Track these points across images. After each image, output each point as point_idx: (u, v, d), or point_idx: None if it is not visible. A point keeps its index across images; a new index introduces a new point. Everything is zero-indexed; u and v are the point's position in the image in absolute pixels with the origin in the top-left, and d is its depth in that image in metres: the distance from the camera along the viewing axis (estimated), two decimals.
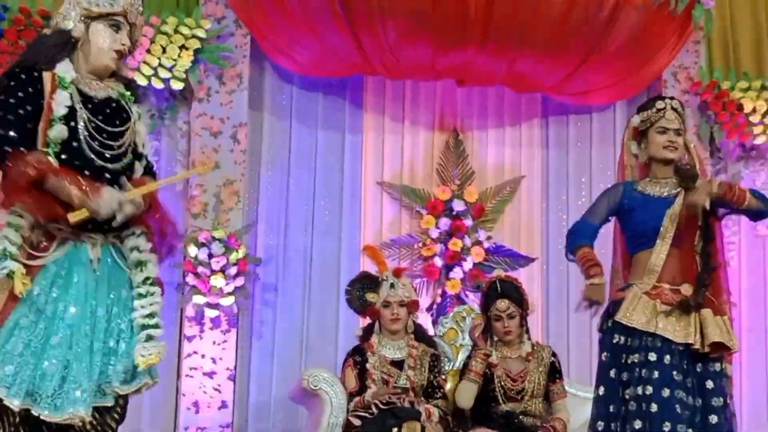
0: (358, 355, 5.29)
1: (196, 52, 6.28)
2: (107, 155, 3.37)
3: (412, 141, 6.99)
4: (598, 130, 7.19)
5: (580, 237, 4.19)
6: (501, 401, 5.11)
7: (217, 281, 6.13)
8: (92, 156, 3.33)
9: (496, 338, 5.18)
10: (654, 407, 3.85)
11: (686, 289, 4.01)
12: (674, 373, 3.90)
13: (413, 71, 6.70)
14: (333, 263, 6.76)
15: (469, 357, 5.24)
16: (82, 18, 3.45)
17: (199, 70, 6.36)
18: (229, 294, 6.18)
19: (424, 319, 6.30)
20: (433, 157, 6.98)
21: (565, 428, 5.17)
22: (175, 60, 6.23)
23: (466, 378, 5.15)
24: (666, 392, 3.86)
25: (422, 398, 5.19)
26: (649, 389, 3.87)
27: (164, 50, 6.20)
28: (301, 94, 6.91)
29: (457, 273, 6.69)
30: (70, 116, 3.33)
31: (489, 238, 6.83)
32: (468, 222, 6.78)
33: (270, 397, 6.54)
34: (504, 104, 7.11)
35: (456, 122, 7.03)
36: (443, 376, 5.45)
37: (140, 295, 3.35)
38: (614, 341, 4.05)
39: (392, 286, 5.34)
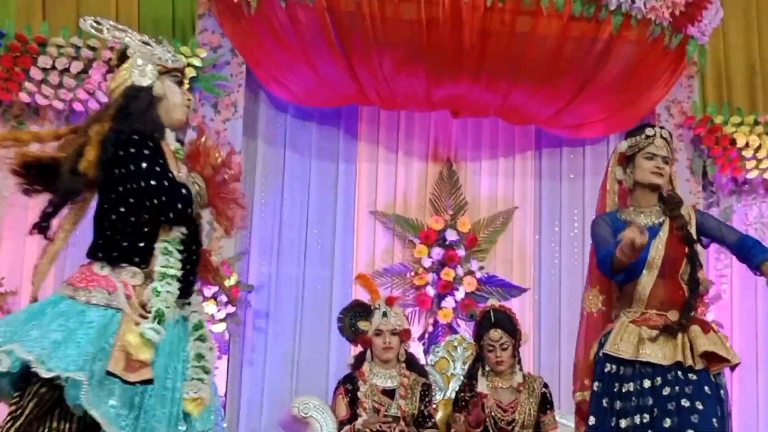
0: (349, 383, 5.26)
1: (192, 80, 6.30)
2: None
3: (405, 171, 7.00)
4: (591, 162, 7.20)
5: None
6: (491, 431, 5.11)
7: (209, 308, 6.10)
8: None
9: (487, 368, 5.18)
10: None
11: (673, 315, 3.95)
12: (669, 404, 3.83)
13: (408, 102, 6.72)
14: (325, 291, 6.76)
15: (459, 395, 5.23)
16: (158, 73, 3.34)
17: (194, 98, 6.39)
18: (221, 321, 6.17)
19: (416, 348, 6.30)
20: (426, 187, 6.99)
21: None
22: None
23: None
24: (667, 422, 3.80)
25: (413, 427, 5.17)
26: (647, 417, 3.82)
27: None
28: (296, 123, 6.93)
29: (449, 302, 6.69)
30: None
31: (481, 268, 6.83)
32: (461, 252, 6.79)
33: (260, 425, 6.51)
34: (498, 136, 7.14)
35: (450, 153, 7.05)
36: (434, 406, 5.43)
37: (194, 340, 3.34)
38: (606, 370, 3.99)
39: (384, 314, 5.32)
